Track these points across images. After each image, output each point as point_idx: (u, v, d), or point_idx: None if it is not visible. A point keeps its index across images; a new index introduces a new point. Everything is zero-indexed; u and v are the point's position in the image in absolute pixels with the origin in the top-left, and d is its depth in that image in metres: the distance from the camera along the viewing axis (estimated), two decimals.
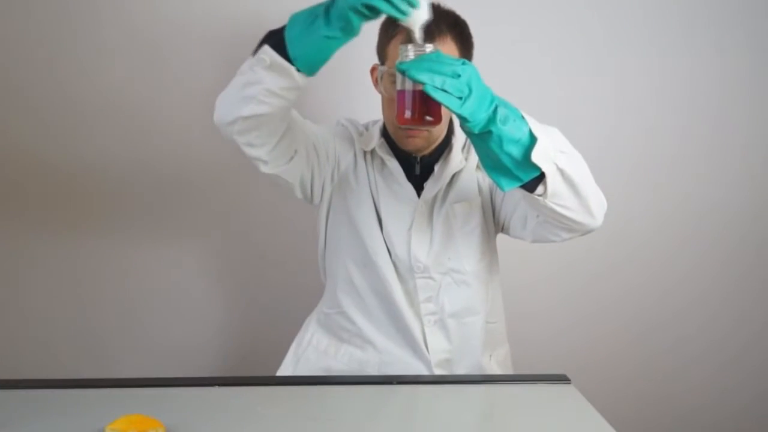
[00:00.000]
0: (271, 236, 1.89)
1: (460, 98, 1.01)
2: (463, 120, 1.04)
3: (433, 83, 1.00)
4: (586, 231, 1.22)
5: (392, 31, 1.33)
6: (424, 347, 1.41)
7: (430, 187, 1.41)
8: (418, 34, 1.07)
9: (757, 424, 2.01)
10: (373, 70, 1.42)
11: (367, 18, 1.05)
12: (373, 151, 1.44)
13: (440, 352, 1.42)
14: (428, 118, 1.08)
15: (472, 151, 1.43)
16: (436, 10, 1.33)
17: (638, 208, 1.92)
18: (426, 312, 1.42)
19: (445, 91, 1.00)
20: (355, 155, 1.45)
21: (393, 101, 1.30)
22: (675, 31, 1.88)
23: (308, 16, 1.08)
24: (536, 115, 1.99)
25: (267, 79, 1.11)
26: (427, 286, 1.42)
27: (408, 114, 1.08)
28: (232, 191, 1.87)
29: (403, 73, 1.04)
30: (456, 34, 1.32)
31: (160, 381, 1.26)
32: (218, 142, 1.80)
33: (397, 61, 1.06)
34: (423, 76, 1.00)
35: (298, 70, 1.10)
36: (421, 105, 1.07)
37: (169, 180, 1.85)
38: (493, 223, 1.46)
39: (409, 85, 1.07)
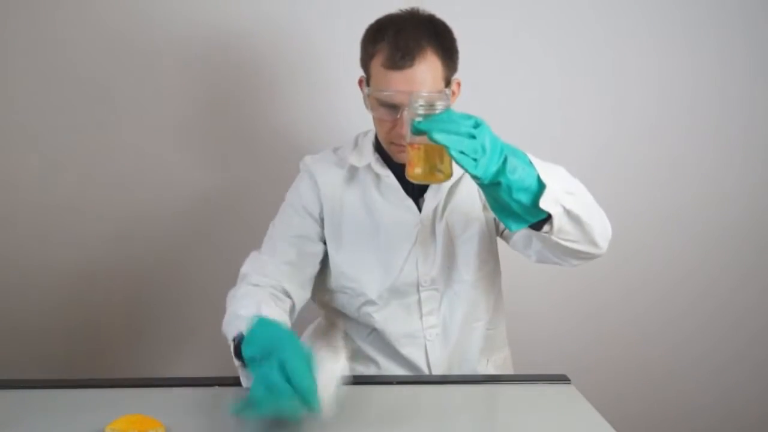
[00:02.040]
0: None
1: (475, 159, 0.99)
2: (475, 177, 1.02)
3: (455, 147, 0.97)
4: (590, 259, 1.22)
5: (371, 49, 1.30)
6: (425, 366, 1.40)
7: (430, 200, 1.39)
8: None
9: (757, 423, 2.01)
10: (360, 82, 1.37)
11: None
12: (367, 167, 1.40)
13: (440, 366, 1.41)
14: (440, 174, 1.04)
15: None
16: (414, 18, 1.30)
17: (639, 209, 1.92)
18: (428, 325, 1.40)
19: (462, 153, 0.98)
20: (319, 200, 1.41)
21: (381, 121, 1.30)
22: (676, 30, 1.88)
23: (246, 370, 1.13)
24: (537, 114, 2.02)
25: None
26: (432, 299, 1.40)
27: (419, 171, 1.04)
28: (233, 191, 1.87)
29: (420, 131, 0.99)
30: (437, 46, 1.27)
31: (160, 381, 1.26)
32: (220, 143, 1.83)
33: (409, 117, 1.01)
34: (446, 140, 0.97)
35: None
36: (432, 161, 1.03)
37: (169, 180, 1.85)
38: (496, 231, 1.44)
39: (420, 140, 1.01)
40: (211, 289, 1.92)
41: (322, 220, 1.42)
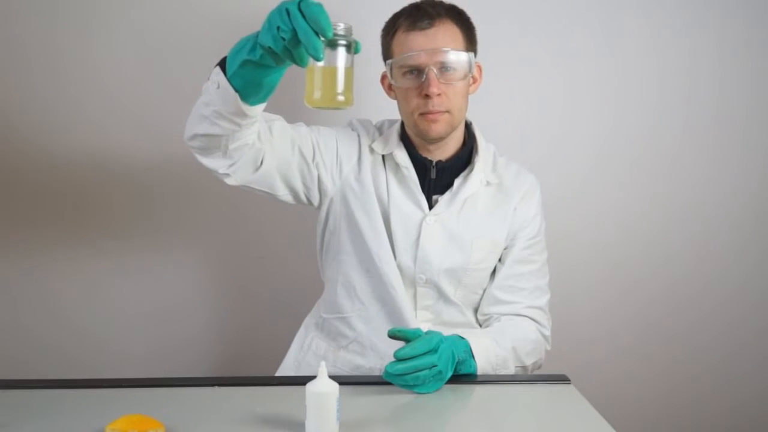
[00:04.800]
0: (269, 235, 1.89)
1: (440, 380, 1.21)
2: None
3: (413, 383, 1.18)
4: None
5: (392, 28, 1.36)
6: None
7: (443, 206, 1.41)
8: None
9: (756, 422, 2.01)
10: (383, 78, 1.42)
11: (276, 61, 1.00)
12: (389, 155, 1.42)
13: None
14: (341, 98, 1.00)
15: (496, 173, 1.46)
16: (433, 1, 1.37)
17: (637, 209, 1.92)
18: (423, 319, 1.42)
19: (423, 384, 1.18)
20: (359, 159, 1.42)
21: (407, 92, 1.33)
22: (676, 30, 1.87)
23: (248, 39, 1.07)
24: (537, 114, 2.01)
25: (217, 101, 1.12)
26: (427, 295, 1.43)
27: (318, 95, 1.00)
28: (231, 190, 1.86)
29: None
30: (456, 19, 1.35)
31: (160, 381, 1.26)
32: None
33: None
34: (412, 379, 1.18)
35: (243, 99, 1.10)
36: (333, 85, 0.99)
37: (168, 179, 1.85)
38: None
39: (321, 62, 0.97)
40: (212, 288, 1.92)
41: (340, 166, 1.41)
